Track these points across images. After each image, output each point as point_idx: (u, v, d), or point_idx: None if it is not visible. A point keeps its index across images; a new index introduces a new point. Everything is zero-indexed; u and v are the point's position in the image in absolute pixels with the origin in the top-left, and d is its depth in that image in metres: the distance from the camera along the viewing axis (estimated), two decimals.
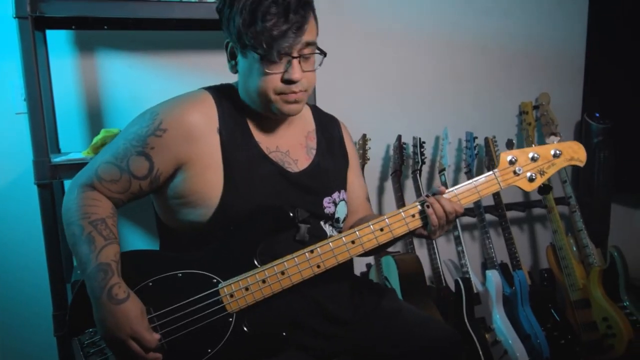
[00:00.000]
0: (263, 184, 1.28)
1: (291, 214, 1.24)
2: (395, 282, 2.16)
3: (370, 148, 2.39)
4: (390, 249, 2.39)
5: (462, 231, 2.73)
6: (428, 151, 2.61)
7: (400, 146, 2.41)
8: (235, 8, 1.17)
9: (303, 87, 1.23)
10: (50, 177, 1.70)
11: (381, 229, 1.27)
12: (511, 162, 1.32)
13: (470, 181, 1.31)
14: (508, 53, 2.69)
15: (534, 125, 2.63)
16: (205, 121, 1.24)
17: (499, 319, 2.20)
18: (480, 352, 2.09)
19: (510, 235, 2.44)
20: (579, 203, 2.53)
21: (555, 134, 1.26)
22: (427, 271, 2.37)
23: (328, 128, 1.47)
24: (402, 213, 1.28)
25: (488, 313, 2.22)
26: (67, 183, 1.53)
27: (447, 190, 1.30)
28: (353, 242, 1.26)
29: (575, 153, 1.34)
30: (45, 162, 1.69)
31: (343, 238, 1.25)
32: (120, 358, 1.18)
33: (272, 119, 1.32)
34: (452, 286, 2.29)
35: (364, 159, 2.38)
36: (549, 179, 1.31)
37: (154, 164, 1.21)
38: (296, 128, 1.39)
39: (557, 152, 1.34)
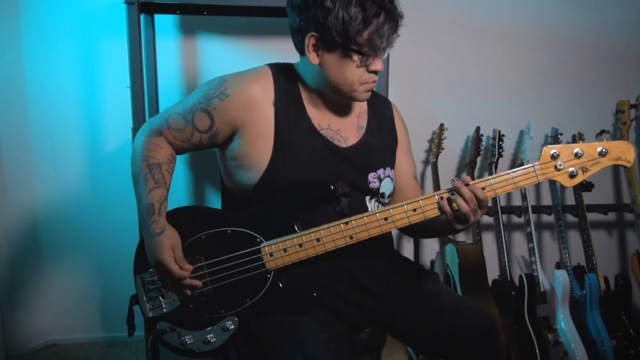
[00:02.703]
0: (310, 156, 1.39)
1: (332, 187, 1.35)
2: (455, 271, 2.19)
3: (446, 138, 2.42)
4: (462, 238, 2.43)
5: (542, 230, 2.69)
6: (510, 145, 2.57)
7: (477, 137, 2.41)
8: (333, 7, 1.25)
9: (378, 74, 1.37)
10: None
11: (414, 210, 1.33)
12: (553, 157, 1.31)
13: (509, 172, 1.33)
14: (606, 48, 2.55)
15: (629, 125, 2.49)
16: (262, 93, 1.38)
17: (563, 320, 2.14)
18: (537, 350, 2.06)
19: (588, 237, 2.35)
20: None
21: (606, 131, 1.21)
22: (495, 264, 2.36)
23: (380, 109, 1.55)
24: (437, 196, 1.33)
25: (553, 313, 2.17)
26: None
27: (485, 178, 1.33)
28: (386, 218, 1.34)
29: (623, 153, 1.30)
30: None
31: (377, 214, 1.34)
32: (162, 281, 1.39)
33: (328, 100, 1.42)
34: (517, 282, 2.27)
35: (438, 148, 2.41)
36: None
37: (214, 122, 1.38)
38: (349, 108, 1.48)
39: (604, 150, 1.30)
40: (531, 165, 1.33)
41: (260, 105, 1.38)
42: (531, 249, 2.30)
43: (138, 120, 1.95)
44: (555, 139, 2.41)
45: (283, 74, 1.43)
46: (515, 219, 2.62)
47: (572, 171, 1.32)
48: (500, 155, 2.39)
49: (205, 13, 2.21)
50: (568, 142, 2.48)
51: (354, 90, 1.35)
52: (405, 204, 1.33)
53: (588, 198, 2.43)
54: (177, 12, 2.22)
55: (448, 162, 2.56)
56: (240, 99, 1.37)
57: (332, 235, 1.34)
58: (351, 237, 1.34)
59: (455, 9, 2.45)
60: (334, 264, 1.39)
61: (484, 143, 2.45)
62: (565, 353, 2.09)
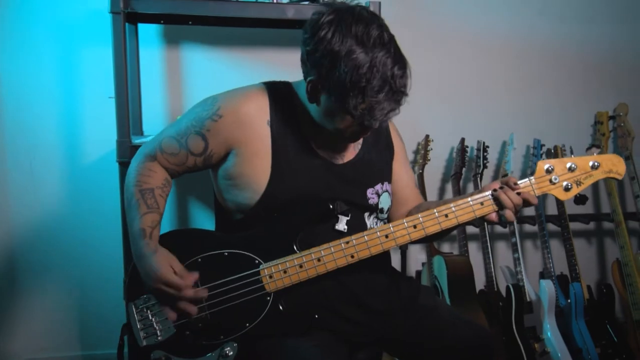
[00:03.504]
0: (308, 175, 1.37)
1: (331, 206, 1.33)
2: (444, 283, 2.19)
3: (432, 149, 2.43)
4: (446, 249, 2.44)
5: (525, 239, 2.72)
6: (493, 156, 2.60)
7: (462, 149, 2.42)
8: (342, 71, 1.19)
9: None
10: (130, 156, 1.86)
11: (414, 226, 1.33)
12: (548, 171, 1.33)
13: None
14: (586, 61, 2.61)
15: (608, 136, 2.55)
16: (257, 112, 1.36)
17: (550, 330, 2.17)
18: None
19: (571, 246, 2.40)
20: None
21: (596, 146, 1.24)
22: (481, 275, 2.37)
23: None
24: (436, 212, 1.33)
25: (539, 323, 2.20)
26: None
27: (485, 193, 1.33)
28: (387, 236, 1.33)
29: (614, 166, 1.34)
30: (126, 143, 1.88)
31: (377, 232, 1.33)
32: (168, 305, 1.32)
33: None
34: (504, 292, 2.29)
35: (424, 160, 2.42)
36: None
37: (208, 144, 1.35)
38: None
39: (596, 163, 1.34)
40: (527, 179, 1.35)
41: (255, 124, 1.35)
42: (516, 259, 2.33)
43: (123, 132, 1.89)
44: (537, 150, 2.45)
45: (279, 93, 1.41)
46: (498, 228, 2.64)
47: (567, 185, 1.34)
48: (484, 167, 2.42)
49: (190, 23, 2.18)
50: (547, 153, 2.53)
51: (344, 136, 1.34)
52: (406, 221, 1.33)
53: (570, 208, 2.48)
54: (162, 21, 2.18)
55: (433, 173, 2.57)
56: (233, 118, 1.34)
57: (333, 254, 1.33)
58: (352, 256, 1.33)
59: (441, 23, 2.47)
60: (333, 281, 1.37)
61: (468, 154, 2.47)
62: None
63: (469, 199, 1.33)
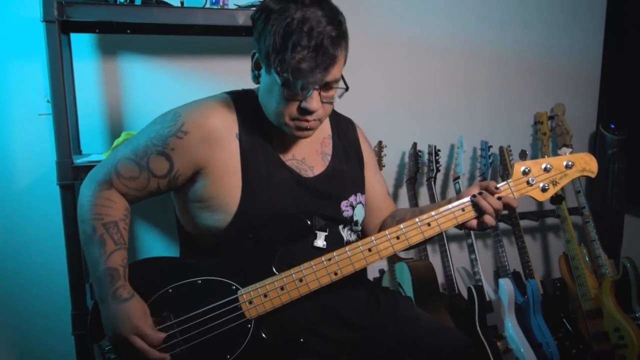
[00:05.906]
0: (280, 190, 1.30)
1: (309, 222, 1.26)
2: (408, 289, 2.17)
3: (385, 155, 2.41)
4: (403, 255, 2.43)
5: (476, 239, 2.75)
6: (443, 159, 2.62)
7: (415, 154, 2.42)
8: (270, 27, 1.14)
9: (318, 117, 1.23)
10: (72, 177, 1.73)
11: (397, 237, 1.28)
12: (525, 173, 1.33)
13: None
14: (524, 64, 2.69)
15: (548, 136, 2.64)
16: (225, 126, 1.26)
17: (511, 327, 2.20)
18: None
19: (523, 244, 2.45)
20: (592, 213, 2.53)
21: (567, 146, 1.26)
22: (440, 278, 2.38)
23: (345, 132, 1.48)
24: (418, 221, 1.29)
25: (500, 321, 2.23)
26: None
27: (463, 200, 1.31)
28: (370, 249, 1.28)
29: (587, 164, 1.35)
30: (68, 164, 1.72)
31: (360, 246, 1.27)
32: (128, 357, 1.20)
33: None
34: (464, 293, 2.30)
35: (379, 166, 2.40)
36: (562, 189, 1.32)
37: (173, 164, 1.24)
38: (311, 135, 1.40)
39: (570, 163, 1.35)
40: (506, 182, 1.34)
41: (224, 139, 1.26)
42: (474, 259, 2.35)
43: (63, 152, 1.72)
44: (485, 151, 2.49)
45: (244, 102, 1.32)
46: (451, 230, 2.66)
47: (544, 185, 1.35)
48: (437, 170, 2.43)
49: (128, 32, 2.04)
50: (495, 154, 2.58)
51: (284, 123, 1.23)
52: (388, 232, 1.28)
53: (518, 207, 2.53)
54: (97, 30, 2.01)
55: (387, 179, 2.55)
56: (200, 134, 1.24)
57: (315, 273, 1.26)
58: (336, 273, 1.27)
59: (388, 30, 2.46)
60: (313, 301, 1.30)
61: (420, 158, 2.48)
62: (517, 359, 2.15)
63: (450, 205, 1.30)
